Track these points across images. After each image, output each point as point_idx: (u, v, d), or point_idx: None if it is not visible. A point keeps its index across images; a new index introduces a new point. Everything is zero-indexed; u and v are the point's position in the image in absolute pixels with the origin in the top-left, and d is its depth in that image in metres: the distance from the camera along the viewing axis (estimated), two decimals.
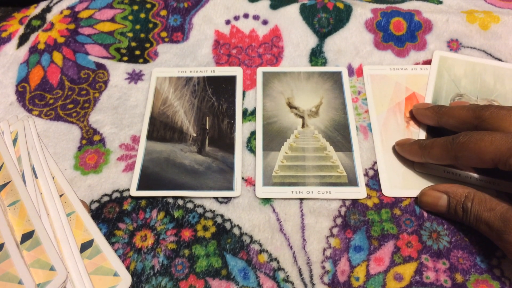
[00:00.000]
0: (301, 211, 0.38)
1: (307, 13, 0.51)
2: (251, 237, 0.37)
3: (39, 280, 0.26)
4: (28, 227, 0.28)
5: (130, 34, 0.51)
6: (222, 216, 0.38)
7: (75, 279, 0.28)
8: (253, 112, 0.44)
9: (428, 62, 0.48)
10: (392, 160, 0.41)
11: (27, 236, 0.28)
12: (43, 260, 0.27)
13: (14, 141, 0.33)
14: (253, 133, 0.43)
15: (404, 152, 0.40)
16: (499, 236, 0.32)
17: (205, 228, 0.37)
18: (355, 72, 0.47)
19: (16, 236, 0.28)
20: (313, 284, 0.35)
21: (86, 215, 0.31)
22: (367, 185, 0.39)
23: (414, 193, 0.39)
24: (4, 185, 0.30)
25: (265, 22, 0.51)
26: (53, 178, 0.32)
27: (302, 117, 0.44)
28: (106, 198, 0.39)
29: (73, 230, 0.30)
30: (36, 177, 0.31)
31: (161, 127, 0.43)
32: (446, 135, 0.37)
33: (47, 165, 0.32)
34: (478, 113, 0.36)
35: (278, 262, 0.36)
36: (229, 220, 0.38)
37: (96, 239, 0.30)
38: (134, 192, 0.39)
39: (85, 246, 0.30)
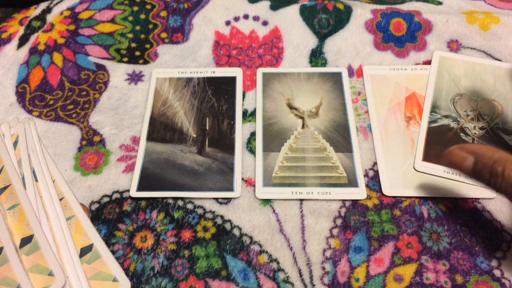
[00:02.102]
0: (301, 212, 0.38)
1: (307, 14, 0.51)
2: (251, 238, 0.37)
3: (38, 285, 0.26)
4: (27, 232, 0.28)
5: (130, 35, 0.51)
6: (222, 217, 0.38)
7: (74, 284, 0.28)
8: (253, 113, 0.45)
9: (428, 62, 0.48)
10: (392, 160, 0.41)
11: (26, 240, 0.28)
12: (42, 265, 0.27)
13: (15, 143, 0.33)
14: (253, 134, 0.43)
15: (459, 167, 0.35)
16: None
17: (205, 229, 0.38)
18: (355, 72, 0.47)
19: (15, 240, 0.28)
20: (313, 285, 0.35)
21: (86, 219, 0.31)
22: (367, 185, 0.39)
23: (414, 192, 0.39)
24: (4, 188, 0.30)
25: (265, 23, 0.51)
26: (54, 181, 0.32)
27: (302, 118, 0.44)
28: (106, 199, 0.39)
29: (73, 234, 0.30)
30: (36, 180, 0.31)
31: (161, 128, 0.43)
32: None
33: (47, 168, 0.32)
34: None
35: (278, 263, 0.36)
36: (229, 221, 0.38)
37: (95, 243, 0.30)
38: (134, 193, 0.39)
39: (85, 251, 0.29)
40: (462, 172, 0.34)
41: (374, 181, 0.40)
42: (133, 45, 0.50)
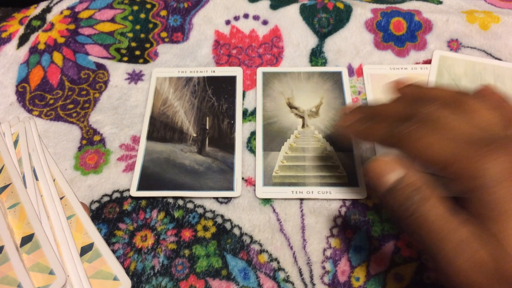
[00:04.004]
0: (301, 211, 0.38)
1: (307, 13, 0.51)
2: (251, 237, 0.37)
3: (38, 283, 0.26)
4: (28, 230, 0.28)
5: (130, 34, 0.51)
6: (222, 216, 0.38)
7: (75, 283, 0.28)
8: (253, 112, 0.45)
9: (428, 62, 0.48)
10: None
11: (27, 239, 0.28)
12: (43, 263, 0.27)
13: (15, 142, 0.33)
14: (253, 133, 0.43)
15: (348, 129, 0.34)
16: (448, 260, 0.24)
17: (205, 228, 0.38)
18: (355, 72, 0.47)
19: (15, 239, 0.28)
20: (313, 284, 0.35)
21: (86, 218, 0.31)
22: (367, 185, 0.39)
23: None
24: (5, 187, 0.30)
25: (265, 22, 0.51)
26: (54, 180, 0.32)
27: (302, 117, 0.44)
28: (106, 198, 0.39)
29: (73, 233, 0.30)
30: (36, 179, 0.31)
31: (161, 127, 0.43)
32: None
33: (48, 167, 0.32)
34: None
35: (278, 262, 0.36)
36: (229, 220, 0.38)
37: (96, 242, 0.30)
38: (134, 192, 0.39)
39: (85, 250, 0.29)
40: (377, 187, 0.28)
41: None
42: (133, 44, 0.50)
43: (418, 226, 0.25)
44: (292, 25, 0.51)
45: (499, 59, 0.47)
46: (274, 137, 0.42)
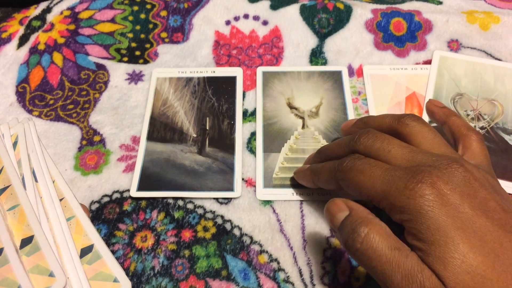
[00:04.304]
0: (302, 211, 0.38)
1: (307, 14, 0.51)
2: (251, 237, 0.37)
3: (38, 286, 0.26)
4: (27, 232, 0.28)
5: (130, 35, 0.51)
6: (222, 216, 0.38)
7: (75, 285, 0.28)
8: (253, 113, 0.44)
9: (428, 62, 0.48)
10: None
11: (27, 241, 0.28)
12: (42, 265, 0.27)
13: (14, 144, 0.33)
14: (253, 134, 0.43)
15: (300, 180, 0.38)
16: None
17: (206, 229, 0.38)
18: (355, 72, 0.47)
19: (15, 241, 0.28)
20: (314, 285, 0.35)
21: (86, 220, 0.31)
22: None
23: None
24: (4, 189, 0.30)
25: (265, 23, 0.51)
26: (53, 182, 0.32)
27: (302, 118, 0.44)
28: (106, 199, 0.39)
29: (73, 235, 0.30)
30: (36, 181, 0.31)
31: (161, 128, 0.43)
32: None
33: (47, 169, 0.32)
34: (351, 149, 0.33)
35: (278, 263, 0.36)
36: (229, 220, 0.38)
37: (96, 244, 0.30)
38: (134, 193, 0.39)
39: (85, 251, 0.29)
40: (331, 224, 0.31)
41: None
42: (133, 44, 0.50)
43: (368, 258, 0.26)
44: (292, 26, 0.51)
45: (499, 60, 0.47)
46: (274, 138, 0.42)
